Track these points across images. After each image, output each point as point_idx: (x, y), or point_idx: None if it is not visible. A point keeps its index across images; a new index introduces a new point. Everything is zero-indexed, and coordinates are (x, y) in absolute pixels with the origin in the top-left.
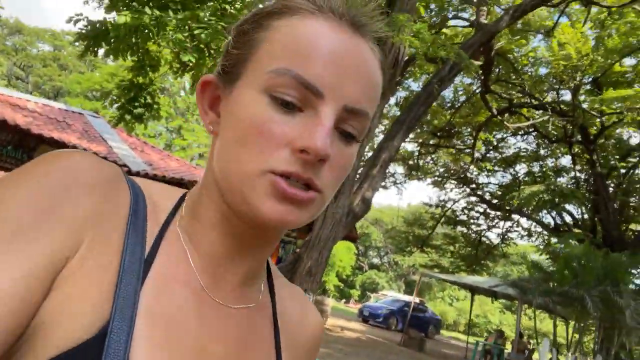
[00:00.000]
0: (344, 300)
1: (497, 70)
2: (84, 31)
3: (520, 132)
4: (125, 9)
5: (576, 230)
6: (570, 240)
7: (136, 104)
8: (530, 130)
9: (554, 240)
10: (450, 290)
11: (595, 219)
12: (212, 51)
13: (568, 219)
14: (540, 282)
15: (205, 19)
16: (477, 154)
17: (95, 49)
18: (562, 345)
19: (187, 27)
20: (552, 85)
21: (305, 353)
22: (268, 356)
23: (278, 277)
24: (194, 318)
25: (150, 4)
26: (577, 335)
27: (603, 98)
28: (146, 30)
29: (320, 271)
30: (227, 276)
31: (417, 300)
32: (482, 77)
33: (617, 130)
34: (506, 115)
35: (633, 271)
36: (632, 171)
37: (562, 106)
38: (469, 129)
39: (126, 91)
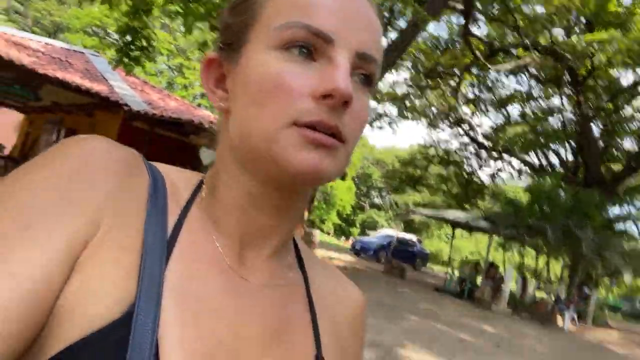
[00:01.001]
0: (343, 237)
1: (495, 9)
2: None
3: (514, 73)
4: None
5: (560, 170)
6: (548, 178)
7: (132, 47)
8: (523, 71)
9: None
10: (446, 229)
11: (579, 159)
12: None
13: (555, 159)
14: (509, 215)
15: None
16: (469, 95)
17: None
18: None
19: None
20: (544, 25)
21: (349, 330)
22: (305, 334)
23: (309, 256)
24: (223, 297)
25: None
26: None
27: (586, 40)
28: None
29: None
30: (254, 254)
31: (415, 238)
32: (464, 21)
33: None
34: (501, 54)
35: (608, 208)
36: (618, 112)
37: (553, 47)
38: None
39: (123, 34)
